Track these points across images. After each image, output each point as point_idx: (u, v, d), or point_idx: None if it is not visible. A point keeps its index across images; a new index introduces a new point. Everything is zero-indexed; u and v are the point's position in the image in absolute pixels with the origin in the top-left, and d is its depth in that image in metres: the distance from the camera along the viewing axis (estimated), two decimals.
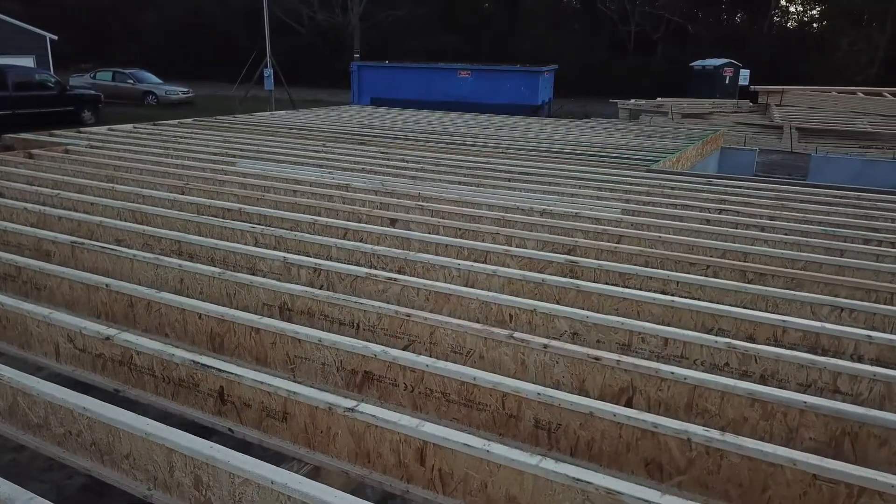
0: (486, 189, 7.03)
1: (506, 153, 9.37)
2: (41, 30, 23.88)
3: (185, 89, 27.73)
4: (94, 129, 10.87)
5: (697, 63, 23.85)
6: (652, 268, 4.66)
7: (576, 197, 6.71)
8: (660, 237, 5.15)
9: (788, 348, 3.51)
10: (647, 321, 3.80)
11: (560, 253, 4.98)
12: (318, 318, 3.82)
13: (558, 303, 4.10)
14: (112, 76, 27.31)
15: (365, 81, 24.63)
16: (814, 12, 40.61)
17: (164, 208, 5.98)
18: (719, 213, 6.13)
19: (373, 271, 4.17)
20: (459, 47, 36.34)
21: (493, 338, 3.30)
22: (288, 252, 4.99)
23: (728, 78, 23.10)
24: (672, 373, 2.93)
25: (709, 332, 3.69)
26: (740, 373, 3.22)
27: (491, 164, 8.46)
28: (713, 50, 28.61)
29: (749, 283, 4.40)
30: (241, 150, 9.09)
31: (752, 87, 20.20)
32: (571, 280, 4.09)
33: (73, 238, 4.87)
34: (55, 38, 23.38)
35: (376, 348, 3.06)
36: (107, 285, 3.90)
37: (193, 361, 2.90)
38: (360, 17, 37.00)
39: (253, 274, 4.61)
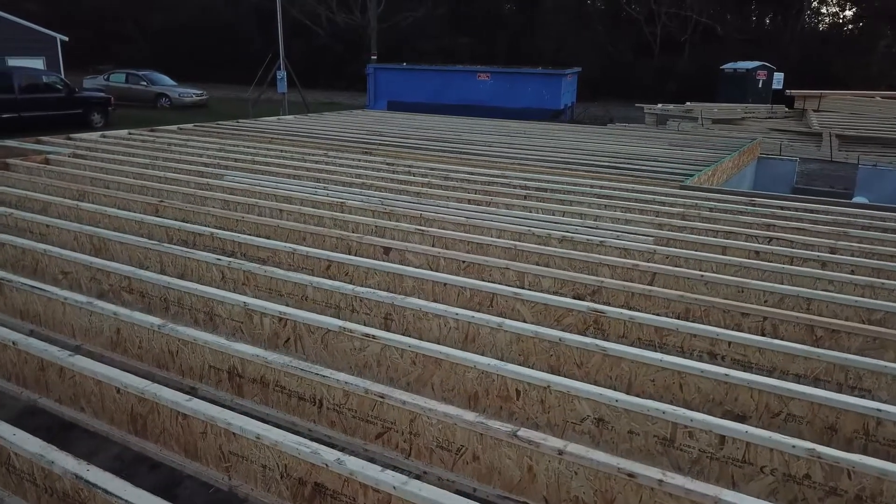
0: (498, 208, 6.21)
1: (523, 165, 8.54)
2: (54, 31, 23.49)
3: (199, 92, 27.15)
4: (86, 135, 10.21)
5: (728, 66, 22.74)
6: (695, 319, 3.81)
7: (600, 220, 5.86)
8: (702, 276, 4.29)
9: (885, 445, 2.65)
10: (694, 401, 2.96)
11: (582, 295, 4.15)
12: (272, 390, 3.03)
13: (579, 368, 3.27)
14: (125, 78, 26.79)
15: (381, 84, 23.83)
16: (848, 13, 39.17)
17: (127, 233, 5.24)
18: (769, 243, 5.25)
19: (348, 325, 3.36)
20: (476, 48, 35.47)
21: (491, 434, 2.48)
22: (258, 289, 4.23)
23: (761, 81, 21.97)
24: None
25: (775, 416, 2.84)
26: (826, 490, 2.37)
27: (506, 177, 7.63)
28: (741, 52, 27.47)
29: (818, 341, 3.53)
30: (236, 159, 8.36)
31: (787, 91, 19.13)
32: (596, 341, 3.25)
33: (2, 273, 4.13)
34: (65, 39, 22.90)
35: (329, 455, 2.25)
36: (14, 343, 3.14)
37: (76, 476, 2.12)
38: (378, 19, 36.32)
39: (210, 319, 3.85)
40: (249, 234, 5.22)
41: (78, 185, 6.69)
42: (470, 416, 2.54)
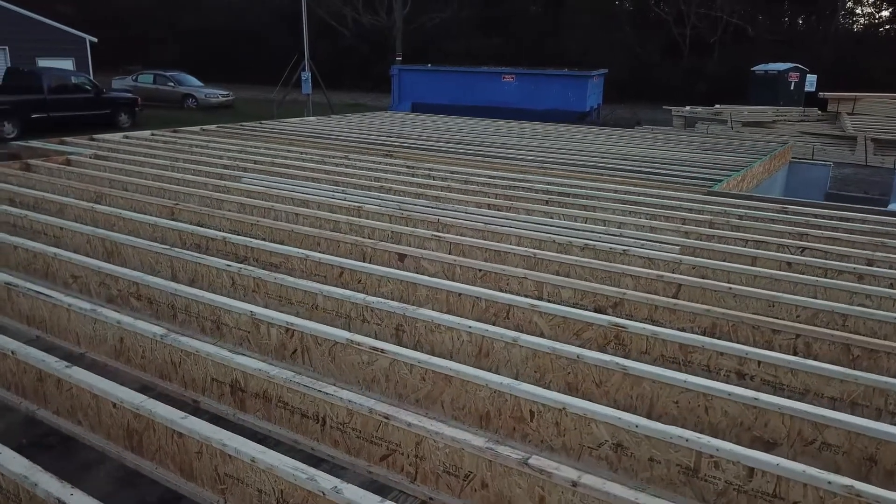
0: (518, 214, 6.04)
1: (545, 168, 8.36)
2: (86, 33, 23.77)
3: (225, 92, 27.30)
4: (109, 136, 10.24)
5: (759, 67, 22.23)
6: (723, 336, 3.61)
7: (624, 227, 5.66)
8: (730, 289, 4.09)
9: None
10: (721, 425, 2.78)
11: (603, 307, 3.97)
12: (275, 406, 2.90)
13: (598, 386, 3.10)
14: (153, 79, 27.05)
15: (405, 85, 23.74)
16: (884, 13, 38.21)
17: (141, 236, 5.17)
18: (801, 253, 5.02)
19: (355, 338, 3.23)
20: (501, 49, 35.22)
21: (500, 461, 2.32)
22: (268, 296, 4.11)
23: (793, 83, 21.44)
24: None
25: (809, 444, 2.65)
26: None
27: (528, 181, 7.46)
28: (773, 53, 26.90)
29: (855, 361, 3.32)
30: (256, 161, 8.30)
31: (820, 93, 18.62)
32: (616, 359, 3.07)
33: (10, 278, 4.07)
34: (94, 40, 23.17)
35: (326, 483, 2.11)
36: (13, 352, 3.06)
37: (59, 501, 2.00)
38: (404, 20, 36.27)
39: (217, 328, 3.74)
40: (263, 240, 5.11)
41: (96, 187, 6.66)
42: (479, 440, 2.38)
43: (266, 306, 4.16)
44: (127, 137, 10.33)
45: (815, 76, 21.89)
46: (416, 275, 4.21)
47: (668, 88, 30.82)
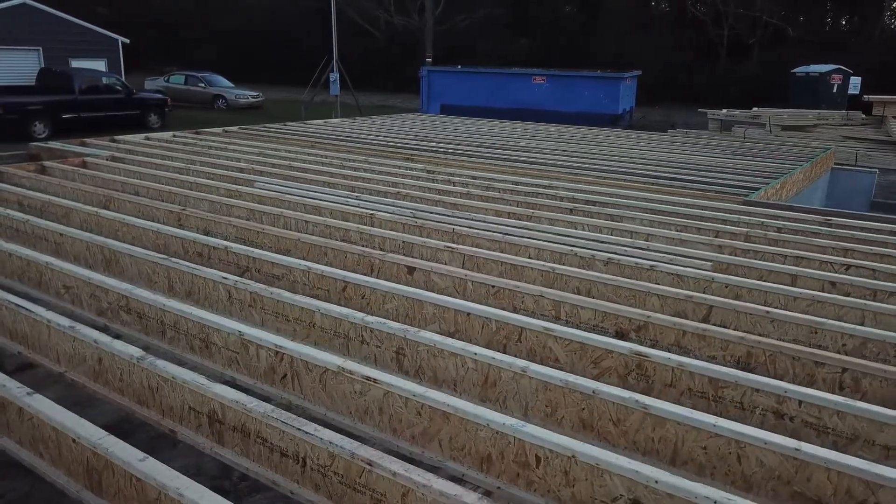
0: (539, 223, 5.70)
1: (572, 174, 8.00)
2: (123, 34, 23.98)
3: (255, 93, 27.34)
4: (130, 137, 10.13)
5: (800, 69, 21.44)
6: (758, 367, 3.25)
7: (652, 239, 5.29)
8: (767, 312, 3.70)
9: None
10: (755, 476, 2.42)
11: (626, 331, 3.62)
12: (254, 442, 2.62)
13: (616, 426, 2.76)
14: (185, 80, 27.21)
15: (434, 87, 23.48)
16: None
17: (140, 244, 4.96)
18: (847, 271, 4.60)
19: (347, 365, 2.93)
20: (533, 51, 34.76)
21: None
22: (264, 312, 3.85)
23: (836, 86, 20.62)
24: None
25: None
26: None
27: (553, 187, 7.11)
28: (813, 55, 26.02)
29: None
30: (273, 164, 8.09)
31: (864, 96, 17.86)
32: (636, 396, 2.73)
33: None
34: (126, 41, 23.33)
35: None
36: None
37: None
38: (436, 21, 36.04)
39: (206, 347, 3.48)
40: (265, 250, 4.86)
41: (106, 191, 6.49)
42: (471, 497, 2.07)
43: (262, 322, 3.91)
44: (147, 139, 10.22)
45: (859, 78, 21.07)
46: (422, 291, 3.90)
47: (704, 90, 30.05)
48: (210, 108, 26.12)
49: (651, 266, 4.47)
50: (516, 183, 7.32)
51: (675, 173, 8.08)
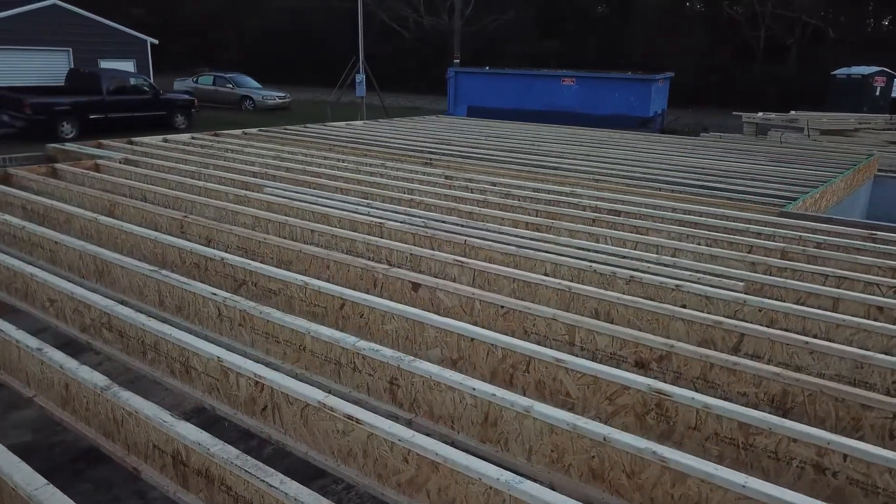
0: (558, 235, 5.36)
1: (597, 181, 7.63)
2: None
3: (282, 94, 27.32)
4: (147, 139, 9.99)
5: (841, 71, 20.65)
6: (796, 408, 2.88)
7: (680, 254, 4.92)
8: (806, 343, 3.32)
9: None
10: None
11: (646, 360, 3.28)
12: (218, 489, 2.34)
13: (630, 478, 2.42)
14: (213, 80, 27.31)
15: (462, 89, 23.14)
16: None
17: (132, 256, 4.74)
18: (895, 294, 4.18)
19: (328, 401, 2.63)
20: (563, 52, 34.26)
21: None
22: (255, 332, 3.58)
23: (879, 88, 19.82)
24: None
25: None
26: None
27: (575, 195, 6.76)
28: (854, 56, 25.14)
29: None
30: (288, 168, 7.85)
31: None
32: (653, 447, 2.38)
33: None
34: (155, 42, 23.43)
35: None
36: None
37: None
38: (466, 21, 35.72)
39: (186, 371, 3.22)
40: (265, 261, 4.61)
41: (112, 196, 6.30)
42: None
43: (252, 343, 3.64)
44: (165, 141, 10.08)
45: None
46: (425, 312, 3.59)
47: (738, 93, 29.31)
48: (238, 108, 26.17)
49: (676, 286, 4.10)
50: (536, 190, 6.98)
51: (706, 181, 7.66)
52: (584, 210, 6.19)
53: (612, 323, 3.78)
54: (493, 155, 9.26)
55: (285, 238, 5.15)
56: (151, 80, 21.48)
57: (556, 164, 8.62)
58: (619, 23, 35.96)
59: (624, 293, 4.09)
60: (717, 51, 32.94)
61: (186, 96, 21.40)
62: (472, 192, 6.83)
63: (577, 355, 3.33)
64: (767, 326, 3.71)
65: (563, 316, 3.59)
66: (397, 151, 9.42)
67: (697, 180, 7.73)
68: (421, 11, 37.60)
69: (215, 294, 3.76)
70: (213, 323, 3.82)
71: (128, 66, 22.17)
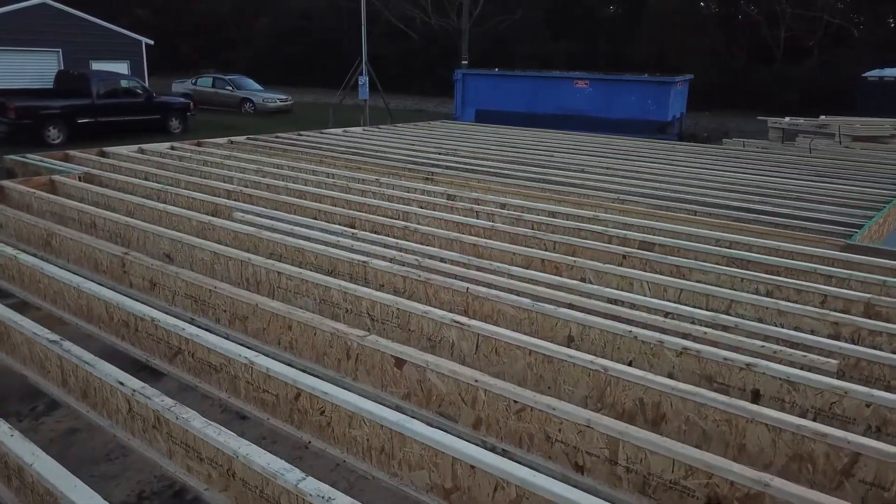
0: (583, 283, 4.34)
1: (623, 202, 6.61)
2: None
3: (284, 97, 26.31)
4: (119, 149, 9.02)
5: (873, 73, 19.48)
6: None
7: (736, 306, 3.89)
8: None
9: None
10: None
11: (724, 500, 2.25)
12: None
13: None
14: (212, 82, 26.35)
15: (469, 91, 22.08)
16: None
17: (56, 306, 3.76)
18: None
19: None
20: (575, 53, 33.18)
21: None
22: (172, 441, 2.58)
23: None
24: None
25: None
26: None
27: (599, 221, 5.75)
28: (880, 58, 23.95)
29: None
30: (268, 186, 6.87)
31: None
32: None
33: None
34: (150, 42, 22.52)
35: None
36: None
37: None
38: (474, 22, 34.69)
39: None
40: (210, 317, 3.62)
41: (50, 225, 5.32)
42: None
43: (170, 455, 2.63)
44: (141, 151, 9.13)
45: None
46: (406, 419, 2.57)
47: (758, 96, 28.18)
48: (238, 111, 25.24)
49: (747, 364, 3.07)
50: (553, 214, 5.97)
51: (746, 201, 6.63)
52: (610, 242, 5.16)
53: (664, 421, 2.77)
54: (502, 168, 8.25)
55: (243, 284, 4.16)
56: (146, 83, 20.59)
57: (573, 180, 7.61)
58: (631, 23, 34.85)
59: (675, 372, 3.08)
60: (734, 52, 31.78)
61: (182, 99, 20.46)
62: (477, 218, 5.82)
63: (622, 487, 2.32)
64: (878, 430, 2.69)
65: (601, 424, 2.56)
66: (395, 164, 8.42)
67: (736, 200, 6.70)
68: (428, 11, 36.60)
69: (122, 384, 2.76)
70: (124, 420, 2.83)
71: (122, 67, 21.28)
